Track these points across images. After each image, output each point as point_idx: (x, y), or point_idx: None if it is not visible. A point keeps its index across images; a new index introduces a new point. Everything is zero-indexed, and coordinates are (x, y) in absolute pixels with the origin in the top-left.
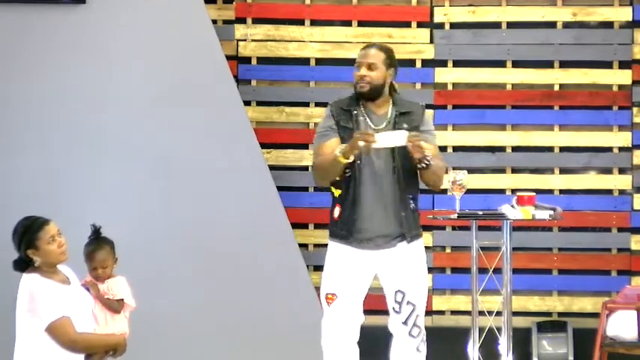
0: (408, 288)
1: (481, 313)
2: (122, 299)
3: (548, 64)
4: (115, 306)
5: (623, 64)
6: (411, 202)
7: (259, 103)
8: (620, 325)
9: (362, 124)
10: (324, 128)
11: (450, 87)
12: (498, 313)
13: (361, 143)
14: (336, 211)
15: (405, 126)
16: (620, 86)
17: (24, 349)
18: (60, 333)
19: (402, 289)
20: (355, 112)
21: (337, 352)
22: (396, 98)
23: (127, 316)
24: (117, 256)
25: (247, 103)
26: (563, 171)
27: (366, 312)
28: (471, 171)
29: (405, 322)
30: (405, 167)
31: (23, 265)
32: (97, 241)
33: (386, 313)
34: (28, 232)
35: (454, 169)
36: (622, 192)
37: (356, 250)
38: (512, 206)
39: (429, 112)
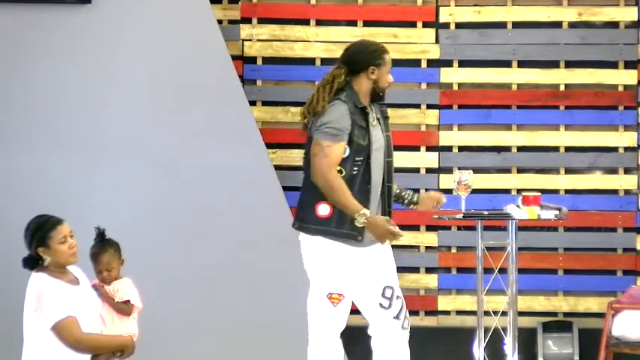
0: (395, 283)
1: (486, 313)
2: (129, 300)
3: (553, 64)
4: (124, 309)
5: (629, 64)
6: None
7: (265, 103)
8: (626, 325)
9: (370, 122)
10: (341, 128)
11: (455, 87)
12: (504, 313)
13: (387, 242)
14: (326, 209)
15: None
16: (626, 86)
17: (31, 348)
18: (65, 333)
19: (390, 284)
20: (368, 111)
21: (328, 351)
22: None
23: (135, 318)
24: (123, 257)
25: (253, 103)
26: (568, 171)
27: None
28: (476, 171)
29: (396, 317)
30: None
31: (32, 262)
32: (102, 243)
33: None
34: (41, 229)
35: (459, 169)
36: (627, 192)
37: (358, 248)
38: (518, 206)
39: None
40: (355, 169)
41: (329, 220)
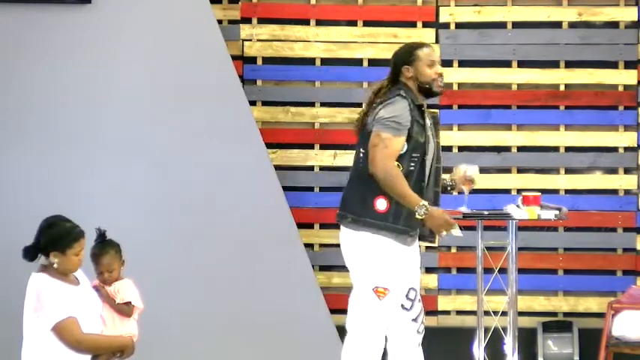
0: (419, 286)
1: (486, 313)
2: (130, 302)
3: (553, 64)
4: (125, 310)
5: (629, 64)
6: None
7: (265, 103)
8: (626, 325)
9: (427, 119)
10: (402, 123)
11: (455, 87)
12: (504, 313)
13: (443, 233)
14: (383, 203)
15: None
16: (626, 86)
17: (31, 348)
18: (66, 333)
19: (415, 287)
20: (423, 108)
21: (377, 346)
22: None
23: (135, 318)
24: (124, 258)
25: (253, 103)
26: (568, 171)
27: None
28: None
29: (414, 319)
30: None
31: (33, 254)
32: (102, 244)
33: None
34: (66, 237)
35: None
36: (627, 192)
37: (401, 246)
38: (518, 206)
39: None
40: (412, 165)
41: (386, 215)
